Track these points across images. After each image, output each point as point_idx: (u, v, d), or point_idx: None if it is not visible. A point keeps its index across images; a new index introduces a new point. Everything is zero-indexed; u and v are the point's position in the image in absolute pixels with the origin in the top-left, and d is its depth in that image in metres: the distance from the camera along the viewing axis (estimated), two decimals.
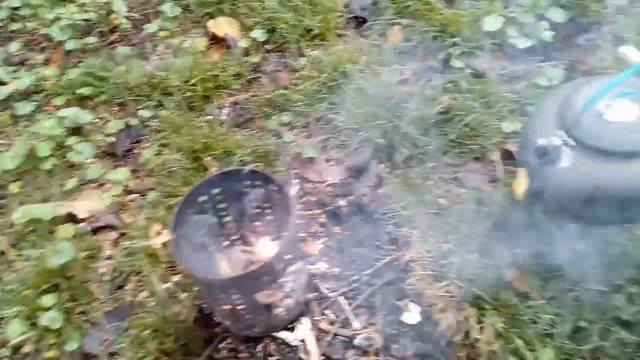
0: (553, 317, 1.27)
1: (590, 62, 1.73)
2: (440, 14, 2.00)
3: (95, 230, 1.76)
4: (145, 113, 2.06)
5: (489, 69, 1.84)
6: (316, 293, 1.53)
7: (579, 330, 1.26)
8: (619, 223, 1.29)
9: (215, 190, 1.38)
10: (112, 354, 1.46)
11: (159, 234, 1.62)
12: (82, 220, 1.78)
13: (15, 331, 1.49)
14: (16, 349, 1.51)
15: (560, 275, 1.34)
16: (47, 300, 1.53)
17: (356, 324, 1.45)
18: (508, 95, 1.73)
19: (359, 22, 2.22)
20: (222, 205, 1.44)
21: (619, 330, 1.23)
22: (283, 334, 1.45)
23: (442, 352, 1.35)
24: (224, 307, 1.29)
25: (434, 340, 1.37)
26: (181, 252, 1.26)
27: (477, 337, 1.27)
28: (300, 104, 1.94)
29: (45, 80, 2.26)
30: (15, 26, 2.55)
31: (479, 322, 1.30)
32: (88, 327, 1.53)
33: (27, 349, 1.51)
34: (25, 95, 2.23)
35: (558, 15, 1.88)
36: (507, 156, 1.62)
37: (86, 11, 2.49)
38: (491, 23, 1.90)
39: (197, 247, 1.37)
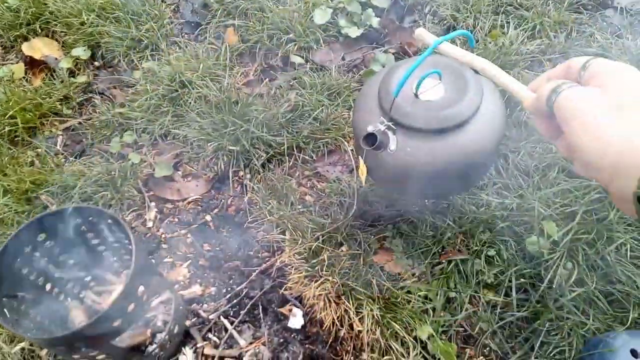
0: (426, 292, 1.31)
1: (416, 42, 1.81)
2: (271, 11, 1.96)
3: None
4: None
5: (327, 61, 1.85)
6: (194, 318, 1.43)
7: (451, 301, 1.32)
8: (448, 196, 1.36)
9: (42, 236, 1.18)
10: None
11: None
12: None
13: None
14: None
15: (425, 249, 1.39)
16: None
17: (242, 341, 1.38)
18: (350, 85, 1.74)
19: (193, 26, 2.10)
20: (56, 250, 1.25)
21: (486, 294, 1.31)
22: None
23: (331, 350, 1.33)
24: None
25: (322, 339, 1.35)
26: (8, 314, 1.06)
27: (359, 328, 1.27)
28: (142, 120, 1.78)
29: None
30: None
31: (358, 313, 1.30)
32: None
33: None
34: None
35: (381, 1, 1.95)
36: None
37: None
38: (320, 16, 1.91)
39: (36, 302, 1.19)
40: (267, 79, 1.81)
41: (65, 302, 1.31)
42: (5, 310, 1.05)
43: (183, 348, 1.37)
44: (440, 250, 1.38)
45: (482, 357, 1.28)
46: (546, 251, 1.31)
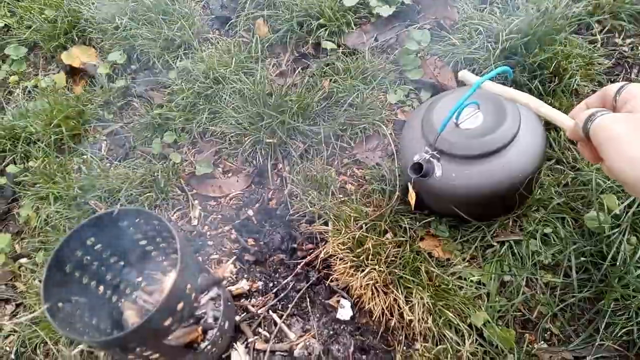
0: (479, 277, 1.23)
1: (453, 16, 1.69)
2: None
3: None
4: (12, 169, 1.78)
5: (360, 44, 1.75)
6: (244, 314, 1.40)
7: (506, 285, 1.23)
8: (494, 217, 1.33)
9: (90, 241, 1.17)
10: None
11: None
12: None
13: None
14: None
15: (474, 233, 1.30)
16: None
17: (292, 335, 1.34)
18: (386, 66, 1.65)
19: (222, 21, 2.05)
20: (107, 253, 1.24)
21: (544, 275, 1.21)
22: None
23: (382, 340, 1.27)
24: None
25: (372, 330, 1.29)
26: (63, 318, 1.05)
27: (410, 317, 1.20)
28: (179, 120, 1.75)
29: None
30: None
31: (408, 301, 1.23)
32: None
33: None
34: None
35: None
36: (399, 127, 1.56)
37: None
38: None
39: (89, 305, 1.18)
40: (300, 68, 1.74)
41: (118, 304, 1.30)
42: (61, 315, 1.04)
43: (234, 344, 1.35)
44: (491, 233, 1.28)
45: (542, 342, 1.19)
46: (607, 226, 1.20)
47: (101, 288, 1.24)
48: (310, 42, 1.80)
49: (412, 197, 1.25)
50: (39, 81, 2.04)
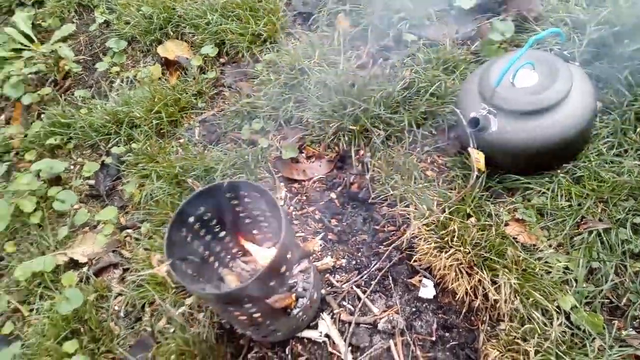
0: (566, 263, 1.18)
1: (537, 8, 1.63)
2: None
3: (99, 272, 1.62)
4: (117, 150, 1.89)
5: (441, 35, 1.73)
6: (329, 287, 1.42)
7: (594, 272, 1.18)
8: (549, 169, 1.37)
9: (201, 209, 1.23)
10: None
11: (160, 262, 1.48)
12: (83, 264, 1.63)
13: None
14: None
15: (561, 220, 1.26)
16: (69, 346, 1.42)
17: (375, 309, 1.35)
18: (467, 57, 1.62)
19: (304, 17, 2.07)
20: (212, 222, 1.30)
21: (634, 264, 1.15)
22: (307, 333, 1.35)
23: (466, 319, 1.26)
24: (241, 318, 1.17)
25: (455, 309, 1.28)
26: (183, 274, 1.12)
27: (496, 298, 1.18)
28: (267, 108, 1.79)
29: (11, 139, 2.06)
30: None
31: (494, 283, 1.20)
32: None
33: None
34: None
35: None
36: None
37: (34, 64, 2.28)
38: None
39: (197, 267, 1.24)
40: (380, 59, 1.73)
41: (219, 270, 1.36)
42: (178, 272, 1.09)
43: (321, 313, 1.37)
44: (579, 220, 1.23)
45: (631, 329, 1.13)
46: None
47: (206, 253, 1.30)
48: (390, 34, 1.78)
49: (480, 157, 1.30)
50: (138, 72, 2.14)
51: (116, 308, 1.53)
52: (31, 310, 1.57)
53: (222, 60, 2.09)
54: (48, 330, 1.46)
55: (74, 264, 1.65)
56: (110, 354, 1.43)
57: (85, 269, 1.63)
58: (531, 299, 1.15)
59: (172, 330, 1.41)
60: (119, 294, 1.55)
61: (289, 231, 1.12)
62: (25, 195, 1.79)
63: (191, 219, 1.21)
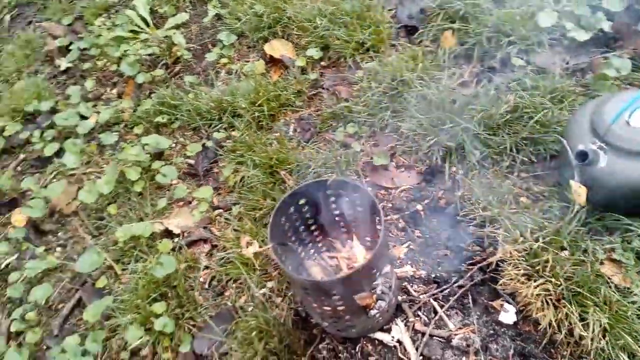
0: None
1: None
2: (491, 15, 1.89)
3: (190, 244, 1.75)
4: (218, 135, 2.03)
5: (551, 64, 1.72)
6: (405, 296, 1.46)
7: None
8: None
9: (302, 201, 1.32)
10: (222, 355, 1.43)
11: (249, 244, 1.59)
12: (177, 235, 1.78)
13: (134, 336, 1.51)
14: (133, 353, 1.53)
15: None
16: (158, 307, 1.55)
17: (451, 325, 1.37)
18: (576, 89, 1.60)
19: (409, 30, 2.13)
20: (307, 215, 1.39)
21: None
22: (379, 335, 1.39)
23: (545, 351, 1.26)
24: (326, 308, 1.23)
25: (535, 339, 1.28)
26: (283, 259, 1.21)
27: (582, 334, 1.17)
28: (363, 114, 1.87)
29: (122, 112, 2.26)
30: (86, 65, 2.58)
31: (581, 319, 1.19)
32: (196, 332, 1.52)
33: (144, 352, 1.52)
34: (106, 127, 2.24)
35: (615, 3, 1.74)
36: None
37: (149, 46, 2.49)
38: (545, 19, 1.78)
39: (287, 254, 1.33)
40: (485, 80, 1.75)
41: (304, 260, 1.44)
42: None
43: (396, 319, 1.41)
44: None
45: None
46: None
47: (296, 243, 1.38)
48: (497, 56, 1.80)
49: (582, 191, 1.29)
50: (243, 66, 2.29)
51: (202, 280, 1.66)
52: (124, 269, 1.73)
53: (323, 63, 2.19)
54: (139, 290, 1.61)
55: (167, 234, 1.80)
56: (192, 320, 1.55)
57: (177, 239, 1.77)
58: (621, 341, 1.13)
59: (250, 308, 1.51)
60: (206, 267, 1.67)
61: (385, 235, 1.18)
62: (131, 164, 1.97)
63: (292, 209, 1.30)
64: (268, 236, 1.19)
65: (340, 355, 1.39)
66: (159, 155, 2.05)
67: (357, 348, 1.39)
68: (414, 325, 1.39)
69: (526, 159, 1.55)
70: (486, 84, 1.75)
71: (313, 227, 1.45)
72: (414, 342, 1.36)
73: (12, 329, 1.68)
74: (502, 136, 1.58)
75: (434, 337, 1.36)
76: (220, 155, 1.98)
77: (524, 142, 1.56)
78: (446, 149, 1.65)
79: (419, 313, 1.42)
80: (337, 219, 1.45)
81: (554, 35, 1.77)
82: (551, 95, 1.61)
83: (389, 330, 1.40)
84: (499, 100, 1.66)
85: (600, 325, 1.16)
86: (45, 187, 2.06)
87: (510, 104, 1.62)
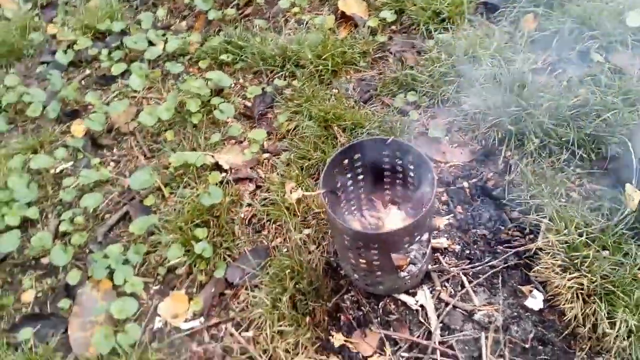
0: None
1: None
2: (578, 6, 1.85)
3: (236, 181, 1.84)
4: (279, 82, 2.09)
5: (630, 65, 1.69)
6: (436, 265, 1.51)
7: None
8: None
9: (357, 156, 1.38)
10: (253, 286, 1.53)
11: (293, 190, 1.66)
12: (225, 170, 1.87)
13: (174, 254, 1.63)
14: (169, 270, 1.65)
15: None
16: (199, 232, 1.65)
17: (476, 301, 1.42)
18: None
19: (489, 8, 2.10)
20: (359, 171, 1.44)
21: None
22: (404, 297, 1.46)
23: (564, 341, 1.29)
24: (361, 261, 1.30)
25: (557, 328, 1.32)
26: (331, 206, 1.27)
27: (607, 331, 1.20)
28: (426, 84, 1.89)
29: (190, 45, 2.34)
30: None
31: (609, 317, 1.22)
32: (231, 262, 1.62)
33: (180, 271, 1.64)
34: (172, 57, 2.33)
35: None
36: None
37: None
38: (635, 18, 1.74)
39: (333, 204, 1.39)
40: (559, 70, 1.73)
41: (344, 215, 1.50)
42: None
43: (423, 285, 1.47)
44: None
45: None
46: None
47: (342, 196, 1.45)
48: (576, 48, 1.77)
49: (636, 196, 1.28)
50: (313, 18, 2.32)
51: (243, 216, 1.75)
52: (172, 193, 1.84)
53: (394, 27, 2.20)
54: (184, 214, 1.72)
55: (216, 167, 1.89)
56: (229, 251, 1.65)
57: (225, 174, 1.86)
58: None
59: (285, 250, 1.60)
60: (249, 205, 1.76)
61: (434, 201, 1.22)
62: (192, 96, 2.06)
63: (346, 161, 1.36)
64: (320, 182, 1.25)
65: (362, 308, 1.46)
66: (219, 92, 2.14)
67: (380, 305, 1.46)
68: (439, 294, 1.45)
69: (585, 156, 1.55)
70: (560, 74, 1.73)
71: (361, 185, 1.50)
72: (436, 309, 1.42)
73: (61, 229, 1.82)
74: (566, 129, 1.58)
75: (457, 309, 1.42)
76: (278, 102, 2.04)
77: (587, 138, 1.56)
78: (505, 132, 1.65)
79: (446, 284, 1.48)
80: (385, 180, 1.49)
81: (639, 37, 1.72)
82: (624, 97, 1.59)
83: (414, 294, 1.46)
84: (570, 92, 1.65)
85: (627, 326, 1.19)
86: (108, 104, 2.18)
87: (581, 99, 1.60)
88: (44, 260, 1.77)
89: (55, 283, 1.71)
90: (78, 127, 2.15)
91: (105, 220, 1.85)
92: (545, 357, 1.29)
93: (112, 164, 2.05)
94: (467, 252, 1.53)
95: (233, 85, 2.18)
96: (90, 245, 1.78)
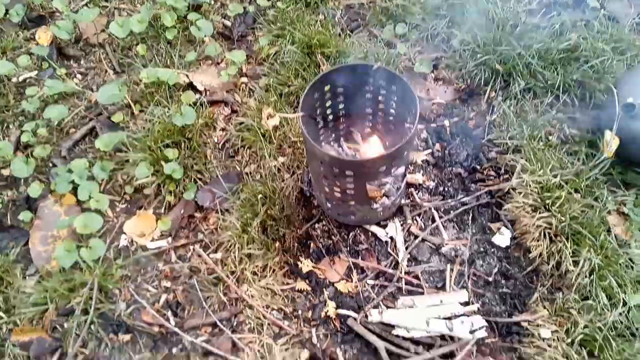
0: None
1: None
2: None
3: (211, 103, 1.81)
4: (262, 2, 2.02)
5: (624, 15, 1.69)
6: (409, 200, 1.55)
7: None
8: None
9: (340, 81, 1.37)
10: (224, 210, 1.54)
11: (270, 116, 1.64)
12: (200, 92, 1.83)
13: (142, 173, 1.60)
14: (137, 190, 1.63)
15: None
16: (169, 153, 1.63)
17: (445, 235, 1.47)
18: None
19: None
20: (340, 99, 1.43)
21: None
22: (375, 229, 1.50)
23: (527, 276, 1.37)
24: (335, 189, 1.32)
25: (521, 265, 1.39)
26: (309, 133, 1.27)
27: (570, 268, 1.27)
28: (417, 16, 1.86)
29: None
30: None
31: (574, 256, 1.29)
32: (201, 185, 1.62)
33: (148, 191, 1.62)
34: None
35: None
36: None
37: None
38: None
39: (310, 130, 1.38)
40: (553, 13, 1.73)
41: (325, 144, 1.51)
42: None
43: (394, 218, 1.51)
44: None
45: None
46: None
47: (321, 123, 1.44)
48: None
49: (615, 142, 1.32)
50: None
51: (216, 140, 1.73)
52: (141, 111, 1.79)
53: None
54: (154, 133, 1.68)
55: (190, 88, 1.85)
56: (200, 174, 1.65)
57: (199, 95, 1.83)
58: (605, 282, 1.24)
59: (259, 176, 1.60)
60: (223, 129, 1.75)
61: (415, 133, 1.23)
62: (168, 9, 1.97)
63: (327, 87, 1.34)
64: (300, 105, 1.24)
65: (333, 237, 1.50)
66: (197, 7, 2.05)
67: (351, 235, 1.50)
68: (409, 228, 1.50)
69: (569, 101, 1.58)
70: (553, 17, 1.72)
71: (341, 114, 1.50)
72: (405, 241, 1.47)
73: (23, 140, 1.77)
74: (553, 72, 1.59)
75: (426, 242, 1.47)
76: (260, 23, 1.98)
77: (573, 83, 1.58)
78: (492, 71, 1.66)
79: (418, 218, 1.52)
80: (366, 111, 1.49)
81: None
82: (615, 45, 1.60)
83: (385, 227, 1.50)
84: (561, 36, 1.65)
85: (590, 265, 1.26)
86: (76, 11, 2.08)
87: (571, 43, 1.61)
88: (4, 172, 1.73)
89: (17, 195, 1.68)
90: (43, 35, 2.05)
91: (70, 134, 1.81)
92: (507, 290, 1.36)
93: (79, 76, 1.98)
94: (441, 189, 1.56)
95: (213, 1, 2.10)
96: (53, 159, 1.74)
